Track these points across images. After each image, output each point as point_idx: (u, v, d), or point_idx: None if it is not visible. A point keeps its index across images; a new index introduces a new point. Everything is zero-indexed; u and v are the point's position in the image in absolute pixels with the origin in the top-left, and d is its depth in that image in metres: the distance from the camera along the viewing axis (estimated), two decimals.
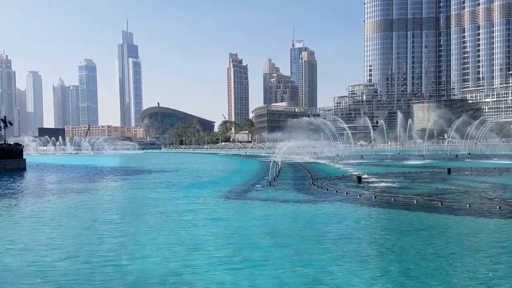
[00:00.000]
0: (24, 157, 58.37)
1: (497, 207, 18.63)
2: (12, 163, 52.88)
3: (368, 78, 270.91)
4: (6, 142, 58.37)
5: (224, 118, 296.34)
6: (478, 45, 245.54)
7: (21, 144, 59.90)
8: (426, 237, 14.01)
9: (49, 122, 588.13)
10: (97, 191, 29.34)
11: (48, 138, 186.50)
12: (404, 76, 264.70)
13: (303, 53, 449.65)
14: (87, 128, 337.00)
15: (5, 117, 64.50)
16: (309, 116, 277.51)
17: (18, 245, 13.88)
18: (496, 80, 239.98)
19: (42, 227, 16.67)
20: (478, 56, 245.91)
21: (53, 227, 16.65)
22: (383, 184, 29.31)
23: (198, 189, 28.76)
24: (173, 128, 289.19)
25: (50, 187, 32.46)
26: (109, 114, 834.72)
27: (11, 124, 74.34)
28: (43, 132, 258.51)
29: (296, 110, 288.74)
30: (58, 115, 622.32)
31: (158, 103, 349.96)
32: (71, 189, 30.02)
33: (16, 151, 55.79)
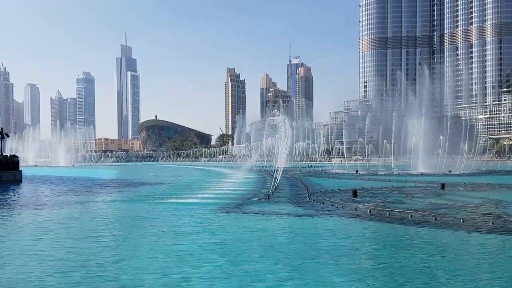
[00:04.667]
0: (20, 169, 58.15)
1: (490, 222, 19.00)
2: (8, 175, 52.68)
3: (363, 94, 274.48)
4: (2, 154, 58.23)
5: (222, 131, 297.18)
6: (471, 63, 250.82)
7: (17, 156, 59.76)
8: (420, 251, 14.26)
9: (46, 134, 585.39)
10: (92, 204, 29.32)
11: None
12: (398, 93, 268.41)
13: (299, 69, 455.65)
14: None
15: (2, 128, 64.34)
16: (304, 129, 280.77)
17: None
18: (489, 97, 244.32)
19: (34, 239, 16.72)
20: (471, 73, 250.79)
21: (41, 240, 16.54)
22: (378, 198, 29.66)
23: (195, 201, 28.86)
24: (171, 141, 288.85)
25: (44, 199, 32.35)
26: (106, 126, 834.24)
27: (8, 135, 74.26)
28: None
29: (293, 124, 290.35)
30: (55, 127, 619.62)
31: (156, 116, 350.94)
32: (65, 202, 29.88)
33: (12, 163, 55.64)
